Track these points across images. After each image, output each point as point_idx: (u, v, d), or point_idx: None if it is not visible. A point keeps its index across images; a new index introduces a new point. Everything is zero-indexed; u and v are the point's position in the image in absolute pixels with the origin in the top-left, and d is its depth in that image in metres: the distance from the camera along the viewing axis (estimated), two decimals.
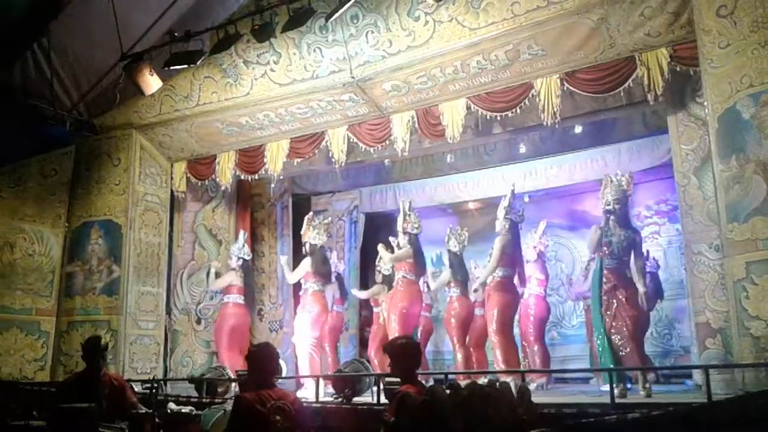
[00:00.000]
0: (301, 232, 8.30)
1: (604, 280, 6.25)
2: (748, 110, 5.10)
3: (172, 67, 7.22)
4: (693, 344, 6.94)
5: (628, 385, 6.37)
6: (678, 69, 6.16)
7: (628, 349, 6.09)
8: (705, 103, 5.64)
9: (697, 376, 6.56)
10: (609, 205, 6.38)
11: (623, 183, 6.45)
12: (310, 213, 8.83)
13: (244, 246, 8.88)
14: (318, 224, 8.28)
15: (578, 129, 8.31)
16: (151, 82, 7.39)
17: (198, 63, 7.16)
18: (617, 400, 5.11)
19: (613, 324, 6.16)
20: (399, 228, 7.72)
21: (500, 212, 7.50)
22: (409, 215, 7.72)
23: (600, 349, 6.30)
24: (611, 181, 6.47)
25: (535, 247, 8.64)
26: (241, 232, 9.14)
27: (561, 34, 6.29)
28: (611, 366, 5.98)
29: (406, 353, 4.15)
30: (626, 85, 6.40)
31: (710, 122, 5.45)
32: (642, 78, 6.24)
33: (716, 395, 4.72)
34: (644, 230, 9.44)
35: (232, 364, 7.86)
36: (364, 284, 10.69)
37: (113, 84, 8.51)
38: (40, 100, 8.47)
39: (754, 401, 3.80)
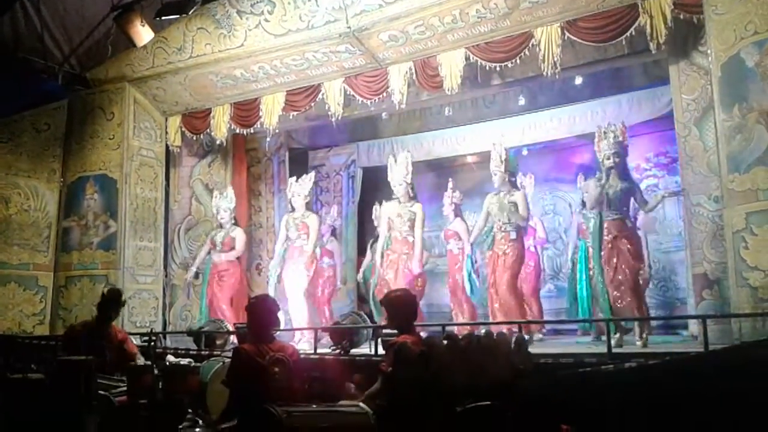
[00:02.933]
0: (307, 191, 8.24)
1: (606, 232, 6.24)
2: (752, 58, 4.99)
3: (163, 18, 7.10)
4: (690, 295, 6.96)
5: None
6: (681, 17, 6.01)
7: (628, 299, 6.11)
8: (708, 52, 5.53)
9: (694, 326, 6.61)
10: (609, 159, 6.30)
11: (618, 134, 6.36)
12: (312, 172, 8.78)
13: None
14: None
15: (578, 80, 8.21)
16: (142, 33, 7.27)
17: (190, 13, 7.04)
18: (614, 350, 5.14)
19: (614, 275, 6.17)
20: (401, 180, 7.65)
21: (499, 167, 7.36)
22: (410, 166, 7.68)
23: (601, 299, 6.30)
24: (605, 134, 6.39)
25: None
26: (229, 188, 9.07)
27: None
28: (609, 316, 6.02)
29: (403, 305, 4.17)
30: (628, 33, 6.26)
31: (713, 71, 5.36)
32: (644, 26, 6.09)
33: (713, 345, 4.74)
34: (643, 183, 9.41)
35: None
36: (362, 239, 10.68)
37: (105, 36, 8.37)
38: (31, 53, 8.33)
39: (751, 351, 3.82)
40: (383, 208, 8.00)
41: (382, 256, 7.60)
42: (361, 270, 9.17)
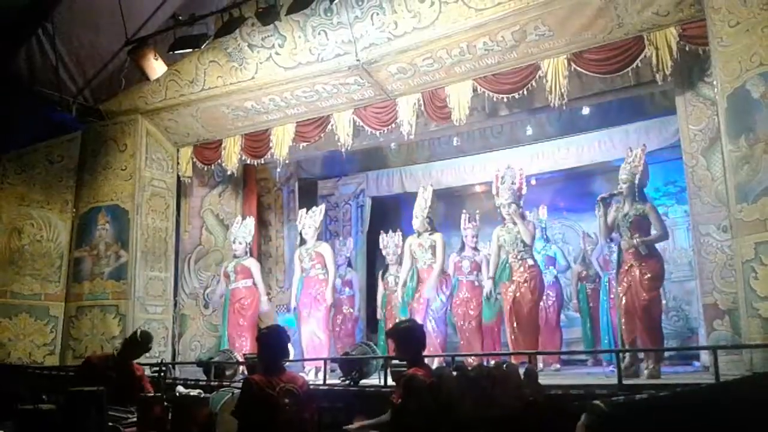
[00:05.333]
0: (318, 222, 8.29)
1: (623, 259, 6.26)
2: (758, 89, 5.02)
3: (176, 52, 7.19)
4: (701, 325, 6.92)
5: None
6: (687, 48, 6.07)
7: (638, 330, 6.08)
8: (714, 83, 5.57)
9: (705, 357, 6.55)
10: (618, 185, 6.37)
11: (636, 159, 6.38)
12: (322, 203, 8.89)
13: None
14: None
15: (586, 110, 8.28)
16: (156, 66, 7.38)
17: (203, 47, 7.13)
18: (624, 381, 5.10)
19: (624, 304, 6.15)
20: (423, 214, 7.69)
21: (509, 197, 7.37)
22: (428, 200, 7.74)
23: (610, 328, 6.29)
24: (628, 159, 6.43)
25: None
26: (248, 216, 9.15)
27: (568, 14, 6.22)
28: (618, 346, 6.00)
29: (411, 336, 4.17)
30: (634, 65, 6.33)
31: (719, 102, 5.39)
32: (650, 58, 6.16)
33: (724, 376, 4.71)
34: None
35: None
36: (371, 268, 10.70)
37: (118, 69, 8.50)
38: (46, 86, 8.47)
39: (763, 382, 3.79)
40: (407, 242, 8.03)
41: (404, 286, 7.66)
42: (379, 305, 9.17)
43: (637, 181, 6.38)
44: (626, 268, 6.24)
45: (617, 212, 6.37)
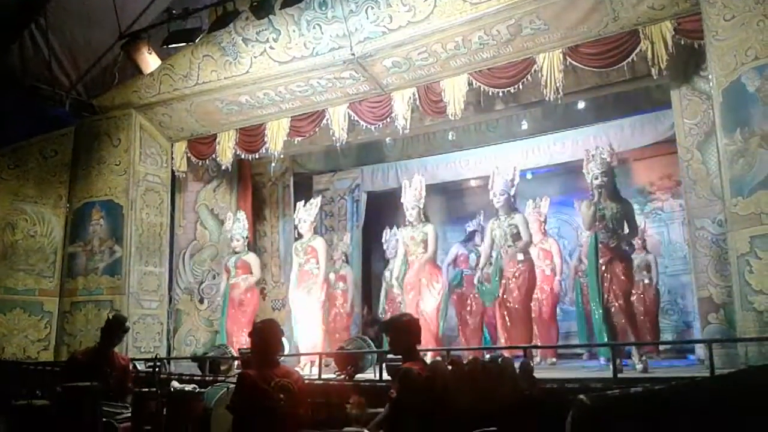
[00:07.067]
0: (312, 216, 8.25)
1: (601, 254, 6.24)
2: (753, 83, 5.02)
3: (170, 46, 7.18)
4: (696, 319, 6.95)
5: (625, 361, 6.42)
6: (682, 42, 6.07)
7: (623, 322, 6.11)
8: (709, 77, 5.58)
9: (700, 350, 6.57)
10: (597, 179, 6.36)
11: (606, 155, 6.41)
12: (317, 197, 8.83)
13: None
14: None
15: (581, 105, 8.27)
16: (149, 61, 7.35)
17: (196, 41, 7.11)
18: (618, 375, 5.11)
19: (610, 298, 6.15)
20: (414, 204, 7.64)
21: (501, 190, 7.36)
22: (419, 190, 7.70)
23: (596, 323, 6.27)
24: (593, 156, 6.44)
25: None
26: (239, 211, 9.13)
27: (563, 8, 6.20)
28: (608, 339, 6.01)
29: (407, 330, 4.14)
30: (630, 59, 6.32)
31: (714, 96, 5.39)
32: (646, 52, 6.16)
33: (719, 369, 4.72)
34: (647, 205, 9.44)
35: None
36: (366, 263, 10.69)
37: (112, 63, 8.48)
38: (39, 80, 8.42)
39: (757, 375, 3.79)
40: (399, 234, 7.98)
41: (402, 281, 7.61)
42: (381, 300, 9.15)
43: (614, 176, 6.44)
44: (605, 262, 6.25)
45: (598, 206, 6.34)
